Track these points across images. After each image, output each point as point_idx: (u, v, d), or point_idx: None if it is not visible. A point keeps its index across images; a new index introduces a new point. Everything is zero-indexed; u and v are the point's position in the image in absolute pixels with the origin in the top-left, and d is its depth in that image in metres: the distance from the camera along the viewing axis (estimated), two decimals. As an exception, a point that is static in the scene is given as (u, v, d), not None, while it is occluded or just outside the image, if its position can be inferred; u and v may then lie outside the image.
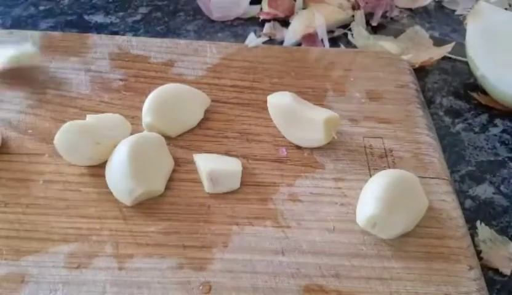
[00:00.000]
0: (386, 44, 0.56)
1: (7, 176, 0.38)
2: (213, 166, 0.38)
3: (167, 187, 0.38)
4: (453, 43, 0.56)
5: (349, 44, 0.58)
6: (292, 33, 0.58)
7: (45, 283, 0.32)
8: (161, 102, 0.41)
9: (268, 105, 0.42)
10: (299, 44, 0.57)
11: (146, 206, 0.37)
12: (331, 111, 0.41)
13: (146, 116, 0.40)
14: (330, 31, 0.59)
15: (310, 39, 0.57)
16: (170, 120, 0.41)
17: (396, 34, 0.59)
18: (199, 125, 0.43)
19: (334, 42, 0.58)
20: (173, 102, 0.41)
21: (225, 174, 0.38)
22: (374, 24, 0.61)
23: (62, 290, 0.32)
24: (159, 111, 0.41)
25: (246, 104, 0.45)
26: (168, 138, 0.41)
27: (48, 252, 0.34)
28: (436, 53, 0.56)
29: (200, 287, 0.33)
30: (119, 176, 0.36)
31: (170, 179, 0.38)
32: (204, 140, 0.42)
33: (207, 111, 0.43)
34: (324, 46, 0.56)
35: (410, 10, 0.65)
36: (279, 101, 0.42)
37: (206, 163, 0.38)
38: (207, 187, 0.38)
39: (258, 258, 0.35)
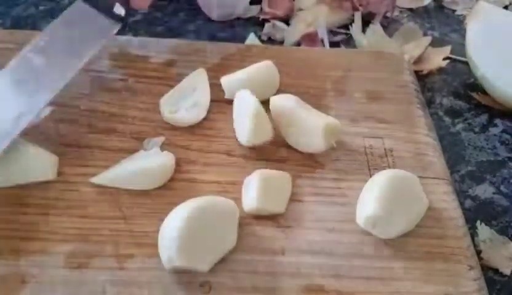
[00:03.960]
0: (386, 44, 0.56)
1: (7, 176, 0.38)
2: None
3: (167, 187, 0.38)
4: (449, 47, 0.57)
5: (349, 44, 0.58)
6: (292, 33, 0.58)
7: (45, 283, 0.32)
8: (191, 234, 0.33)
9: (270, 106, 0.42)
10: (299, 44, 0.57)
11: (146, 206, 0.37)
12: (332, 118, 0.40)
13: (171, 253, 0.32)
14: (330, 31, 0.59)
15: (310, 39, 0.57)
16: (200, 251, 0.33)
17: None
18: (199, 125, 0.43)
19: (334, 42, 0.58)
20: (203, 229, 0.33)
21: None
22: (375, 24, 0.61)
23: (62, 290, 0.32)
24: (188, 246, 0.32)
25: (246, 104, 0.45)
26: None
27: (48, 252, 0.34)
28: (436, 60, 0.56)
29: (201, 287, 0.33)
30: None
31: (170, 179, 0.38)
32: (204, 140, 0.42)
33: (206, 111, 0.43)
34: (324, 46, 0.56)
35: (410, 10, 0.65)
36: (281, 103, 0.41)
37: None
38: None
39: (258, 258, 0.35)
